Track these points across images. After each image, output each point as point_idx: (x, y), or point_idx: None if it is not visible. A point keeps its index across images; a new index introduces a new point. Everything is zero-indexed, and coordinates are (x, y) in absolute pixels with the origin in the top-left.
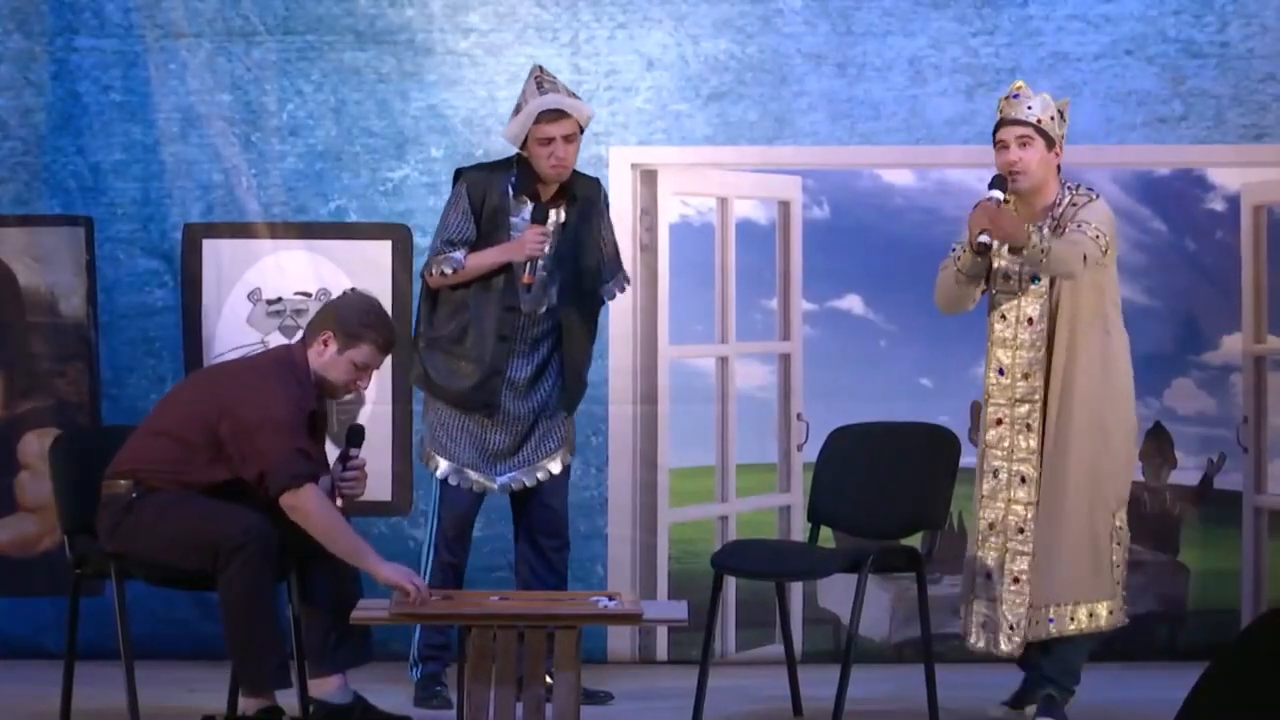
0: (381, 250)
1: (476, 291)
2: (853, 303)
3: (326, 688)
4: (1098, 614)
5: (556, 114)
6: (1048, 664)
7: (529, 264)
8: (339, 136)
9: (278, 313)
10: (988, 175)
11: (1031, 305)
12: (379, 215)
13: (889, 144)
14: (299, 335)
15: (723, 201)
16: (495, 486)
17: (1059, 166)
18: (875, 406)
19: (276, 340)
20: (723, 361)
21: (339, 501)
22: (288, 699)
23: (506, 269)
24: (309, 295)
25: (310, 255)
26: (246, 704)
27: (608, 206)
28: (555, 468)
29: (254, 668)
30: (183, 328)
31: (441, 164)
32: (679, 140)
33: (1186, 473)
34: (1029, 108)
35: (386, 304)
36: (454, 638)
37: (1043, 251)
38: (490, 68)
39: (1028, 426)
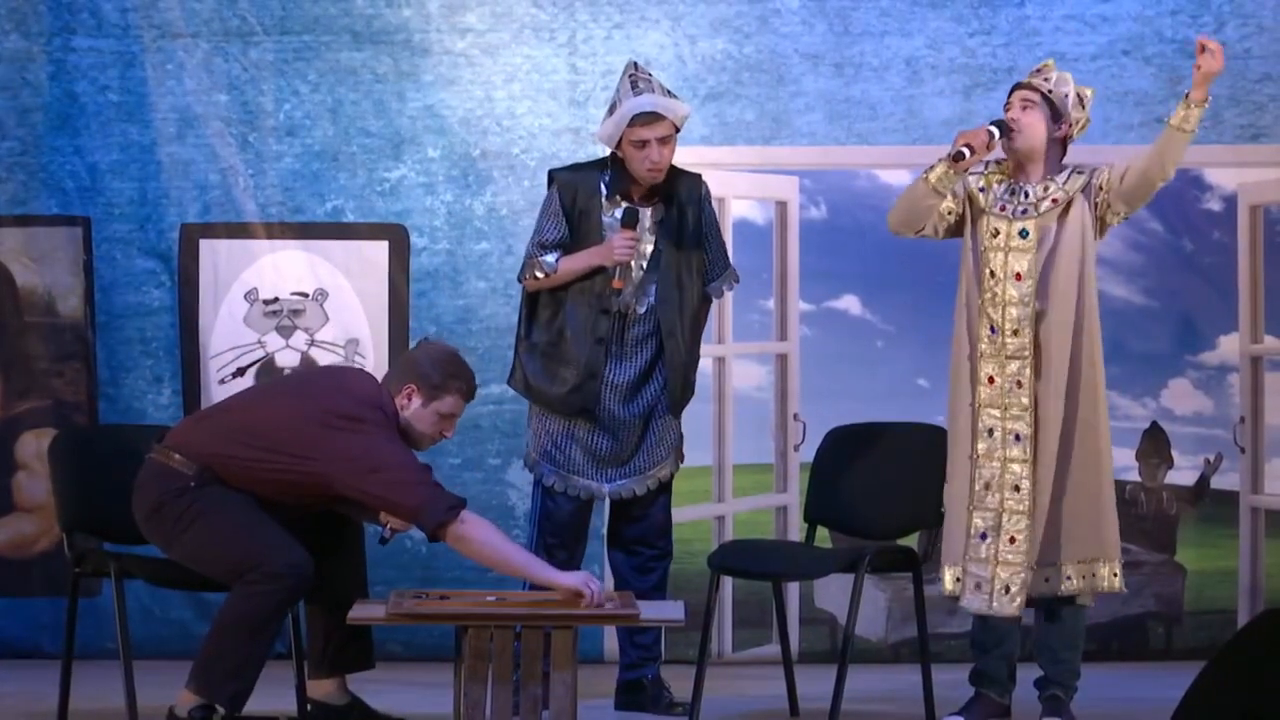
0: (378, 250)
1: (573, 294)
2: (850, 303)
3: (325, 689)
4: (1100, 575)
5: (651, 116)
6: (1048, 667)
7: (617, 269)
8: (336, 137)
9: (274, 313)
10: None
11: (1019, 261)
12: (376, 215)
13: (886, 144)
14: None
15: (720, 201)
16: (606, 493)
17: (1065, 147)
18: (872, 407)
19: (273, 341)
20: (720, 362)
21: (386, 534)
22: (286, 699)
23: (601, 270)
24: (305, 295)
25: (307, 255)
26: (188, 698)
27: (710, 201)
28: (665, 474)
29: (223, 680)
30: (180, 328)
31: (438, 164)
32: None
33: (1183, 473)
34: (1045, 79)
35: (384, 304)
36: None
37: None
38: (487, 68)
39: (1018, 383)
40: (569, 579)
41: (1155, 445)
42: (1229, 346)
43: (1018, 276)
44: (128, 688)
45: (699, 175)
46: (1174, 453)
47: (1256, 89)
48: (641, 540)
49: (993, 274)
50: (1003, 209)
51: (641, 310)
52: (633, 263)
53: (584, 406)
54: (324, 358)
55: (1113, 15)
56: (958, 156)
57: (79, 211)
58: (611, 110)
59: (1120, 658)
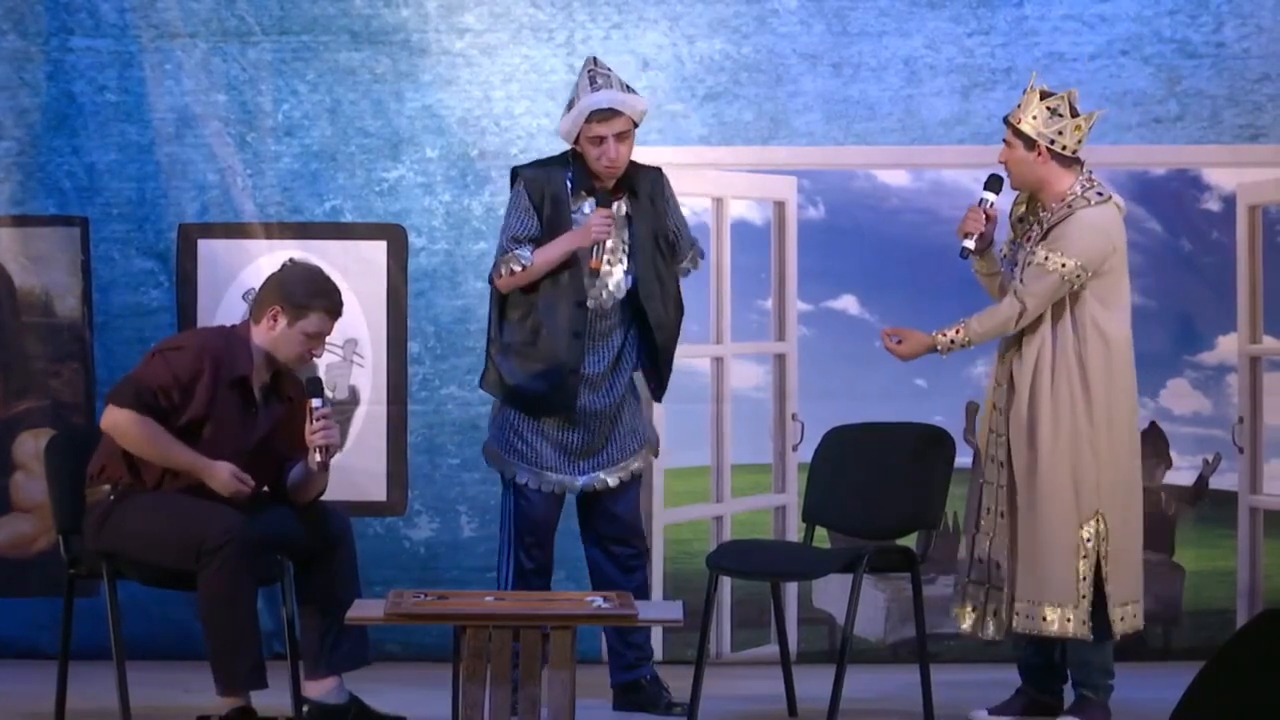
0: (377, 250)
1: (546, 291)
2: (848, 303)
3: (322, 688)
4: (1063, 619)
5: (608, 113)
6: (1076, 671)
7: (595, 248)
8: (334, 137)
9: None
10: (983, 175)
11: (1019, 255)
12: (374, 215)
13: (884, 144)
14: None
15: (718, 202)
16: (578, 486)
17: (1066, 160)
18: (870, 406)
19: None
20: (718, 362)
21: (317, 458)
22: (283, 700)
23: (571, 264)
24: None
25: (305, 255)
26: (219, 703)
27: (671, 190)
28: (637, 467)
29: (229, 668)
30: (178, 328)
31: (436, 164)
32: (674, 140)
33: (1182, 473)
34: (1017, 105)
35: (382, 304)
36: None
37: (963, 344)
38: (485, 68)
39: (994, 407)
40: (222, 468)
41: (1154, 445)
42: (1227, 346)
43: None
44: (120, 688)
45: (659, 168)
46: (1172, 453)
47: (1255, 89)
48: (621, 540)
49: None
50: (1027, 237)
51: (610, 303)
52: (605, 259)
53: (565, 403)
54: (322, 358)
55: (1111, 15)
56: (964, 254)
57: (77, 212)
58: (570, 106)
59: (1119, 658)
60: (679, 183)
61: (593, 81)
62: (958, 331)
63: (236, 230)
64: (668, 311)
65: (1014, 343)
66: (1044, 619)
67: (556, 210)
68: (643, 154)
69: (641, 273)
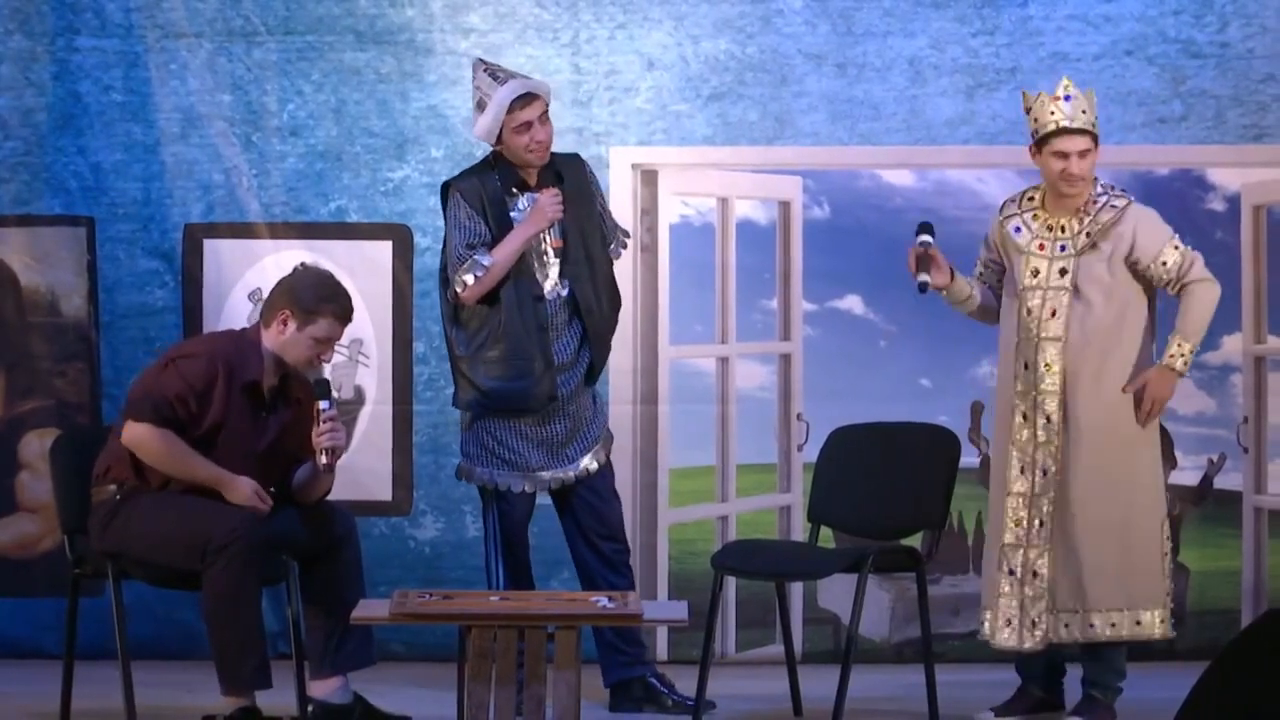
0: (382, 250)
1: (506, 292)
2: (853, 303)
3: (327, 688)
4: (1147, 622)
5: (528, 98)
6: (1089, 668)
7: (552, 229)
8: (339, 137)
9: None
10: (988, 175)
11: (1056, 298)
12: (379, 215)
13: (889, 144)
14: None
15: (723, 202)
16: (571, 477)
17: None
18: (875, 407)
19: None
20: (723, 362)
21: (323, 460)
22: (287, 699)
23: (519, 262)
24: None
25: (310, 255)
26: (224, 703)
27: (592, 172)
28: (609, 450)
29: (233, 667)
30: (183, 328)
31: (442, 164)
32: (679, 140)
33: (1186, 473)
34: (1083, 112)
35: (387, 304)
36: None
37: (1193, 350)
38: None
39: (1048, 419)
40: (244, 484)
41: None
42: (1232, 346)
43: (1052, 313)
44: (126, 688)
45: (577, 154)
46: (1177, 453)
47: (1260, 89)
48: (609, 536)
49: (1029, 311)
50: (1041, 247)
51: (565, 292)
52: (548, 250)
53: (547, 394)
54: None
55: (1116, 15)
56: (923, 288)
57: (82, 211)
58: (481, 107)
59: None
60: (684, 183)
61: (495, 77)
62: (1179, 345)
63: (242, 230)
64: (598, 296)
65: (1056, 349)
66: (1138, 624)
67: (497, 213)
68: (648, 154)
69: (571, 255)
